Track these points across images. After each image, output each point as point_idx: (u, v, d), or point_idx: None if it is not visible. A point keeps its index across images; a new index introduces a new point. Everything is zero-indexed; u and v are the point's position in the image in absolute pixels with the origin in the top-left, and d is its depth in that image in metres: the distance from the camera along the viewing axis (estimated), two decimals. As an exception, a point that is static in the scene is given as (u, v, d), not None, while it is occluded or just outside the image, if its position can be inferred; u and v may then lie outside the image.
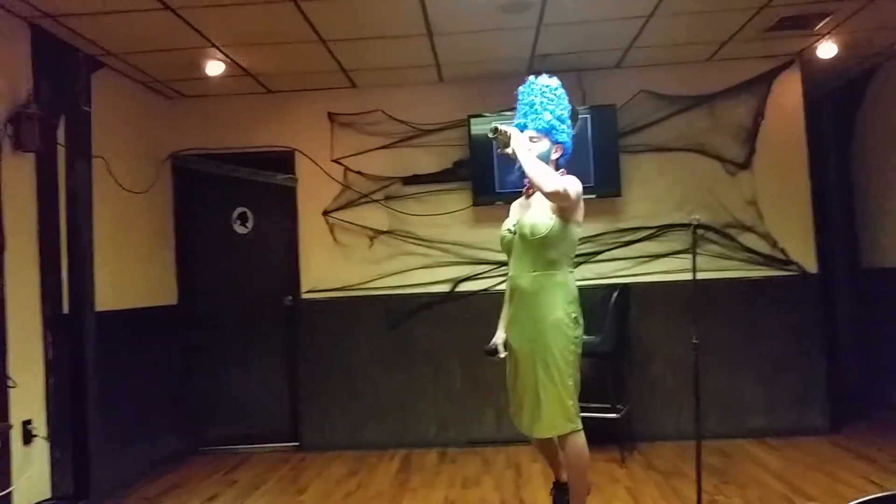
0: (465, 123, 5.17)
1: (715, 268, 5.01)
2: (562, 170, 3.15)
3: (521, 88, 3.21)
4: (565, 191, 2.89)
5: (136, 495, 4.34)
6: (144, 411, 4.85)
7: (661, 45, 4.80)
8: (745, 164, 5.13)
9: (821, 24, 4.48)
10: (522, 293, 3.07)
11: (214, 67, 4.70)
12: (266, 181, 5.38)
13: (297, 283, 5.34)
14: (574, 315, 3.06)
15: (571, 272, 3.14)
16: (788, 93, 5.14)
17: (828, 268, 5.67)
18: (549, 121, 3.07)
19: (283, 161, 5.39)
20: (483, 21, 4.22)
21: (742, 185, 5.12)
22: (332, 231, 5.33)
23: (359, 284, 5.30)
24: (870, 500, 0.95)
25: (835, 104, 6.07)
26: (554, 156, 3.12)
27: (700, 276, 4.95)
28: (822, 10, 4.27)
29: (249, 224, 5.51)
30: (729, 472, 4.21)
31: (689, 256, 4.91)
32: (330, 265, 5.32)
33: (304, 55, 4.64)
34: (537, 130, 3.08)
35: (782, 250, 5.07)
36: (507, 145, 2.99)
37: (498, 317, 3.32)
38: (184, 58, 4.58)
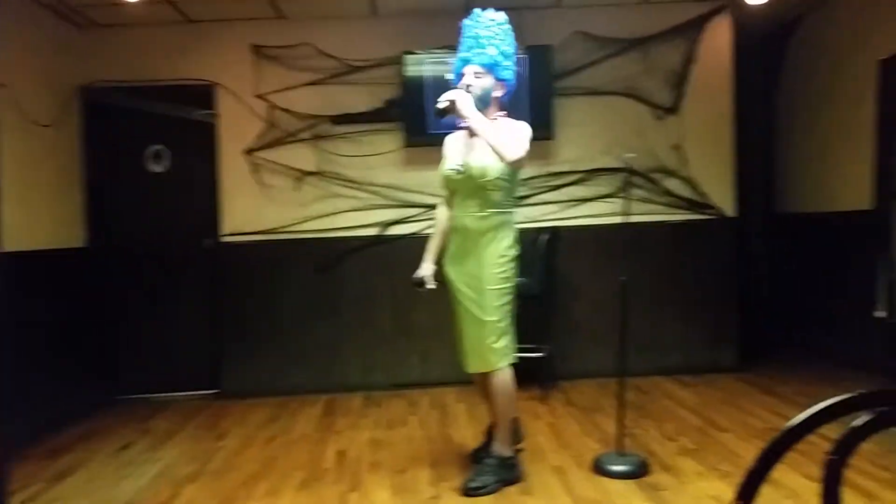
0: (399, 61, 5.01)
1: (639, 211, 5.06)
2: (503, 112, 3.15)
3: (465, 21, 3.15)
4: (524, 155, 2.96)
5: (45, 446, 4.13)
6: (56, 359, 4.59)
7: (596, -14, 4.74)
8: (674, 109, 5.18)
9: (752, -30, 4.51)
10: (467, 232, 3.11)
11: (131, -10, 4.36)
12: (184, 116, 5.09)
13: (217, 226, 5.13)
14: (514, 255, 3.13)
15: (514, 212, 3.19)
16: (719, 38, 5.19)
17: (747, 212, 5.87)
18: (494, 56, 3.04)
19: (203, 95, 5.10)
20: (417, -49, 4.04)
21: (669, 129, 5.19)
22: (255, 171, 5.12)
23: (284, 227, 5.13)
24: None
25: (763, 51, 6.17)
26: (497, 93, 3.10)
27: (625, 218, 5.10)
28: (754, -46, 4.29)
29: (165, 162, 5.22)
30: (646, 407, 4.36)
31: (617, 200, 5.07)
32: (253, 207, 5.12)
33: (226, -20, 4.36)
34: (481, 65, 3.04)
35: (703, 194, 5.19)
36: (457, 114, 2.97)
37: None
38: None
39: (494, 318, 3.07)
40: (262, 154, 5.12)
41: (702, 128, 5.19)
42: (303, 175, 5.13)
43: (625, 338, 3.40)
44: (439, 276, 3.32)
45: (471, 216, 3.10)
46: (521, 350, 4.33)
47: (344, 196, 5.16)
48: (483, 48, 3.05)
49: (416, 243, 5.08)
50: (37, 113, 4.51)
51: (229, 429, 4.38)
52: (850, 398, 1.03)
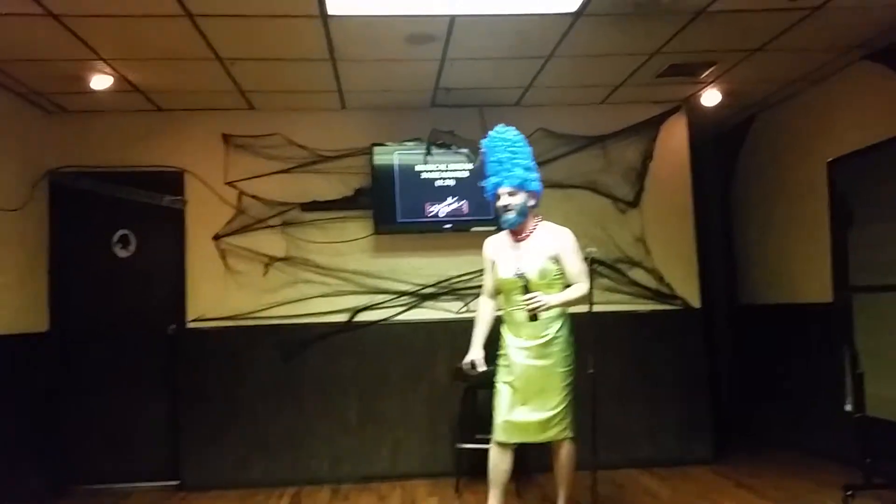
0: (368, 151, 5.13)
1: (605, 301, 5.13)
2: (538, 217, 3.63)
3: (486, 143, 3.63)
4: (588, 287, 3.50)
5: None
6: (8, 446, 4.38)
7: (558, 86, 4.96)
8: (635, 203, 5.35)
9: (706, 73, 4.78)
10: (534, 324, 3.46)
11: (101, 81, 4.43)
12: (152, 202, 5.09)
13: (182, 311, 5.05)
14: (572, 339, 3.57)
15: None
16: (675, 136, 5.43)
17: (709, 303, 5.99)
18: (522, 175, 3.50)
19: (172, 182, 5.13)
20: (388, 50, 4.21)
21: (631, 222, 5.34)
22: (223, 257, 5.10)
23: (250, 313, 5.07)
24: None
25: (718, 149, 6.47)
26: (531, 203, 3.56)
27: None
28: (708, 60, 4.56)
29: (132, 247, 5.18)
30: (621, 501, 4.29)
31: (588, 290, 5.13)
32: (220, 292, 5.08)
33: (200, 73, 4.46)
34: (512, 186, 3.49)
35: (668, 285, 5.30)
36: (546, 308, 3.41)
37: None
38: (68, 70, 4.29)
39: (561, 397, 3.49)
40: (231, 240, 5.11)
41: (663, 221, 5.35)
42: (271, 261, 5.12)
43: (595, 433, 3.39)
44: (486, 360, 3.66)
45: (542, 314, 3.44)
46: (488, 442, 4.30)
47: (312, 282, 5.15)
48: (510, 171, 3.50)
49: (385, 330, 5.13)
50: (4, 197, 4.48)
51: (187, 524, 4.19)
52: None
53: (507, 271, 3.54)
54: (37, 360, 4.81)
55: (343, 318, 5.13)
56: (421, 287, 5.18)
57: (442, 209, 5.11)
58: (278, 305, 5.10)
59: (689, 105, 5.40)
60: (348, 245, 5.18)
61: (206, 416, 5.00)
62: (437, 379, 4.94)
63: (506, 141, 3.57)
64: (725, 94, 5.16)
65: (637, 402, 5.20)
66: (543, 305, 3.38)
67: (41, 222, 4.99)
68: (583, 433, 3.54)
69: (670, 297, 5.30)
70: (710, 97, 5.16)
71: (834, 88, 4.90)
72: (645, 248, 5.31)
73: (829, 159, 4.32)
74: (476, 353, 3.67)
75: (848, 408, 4.06)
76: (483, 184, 3.67)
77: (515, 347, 3.56)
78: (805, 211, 5.02)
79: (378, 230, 5.13)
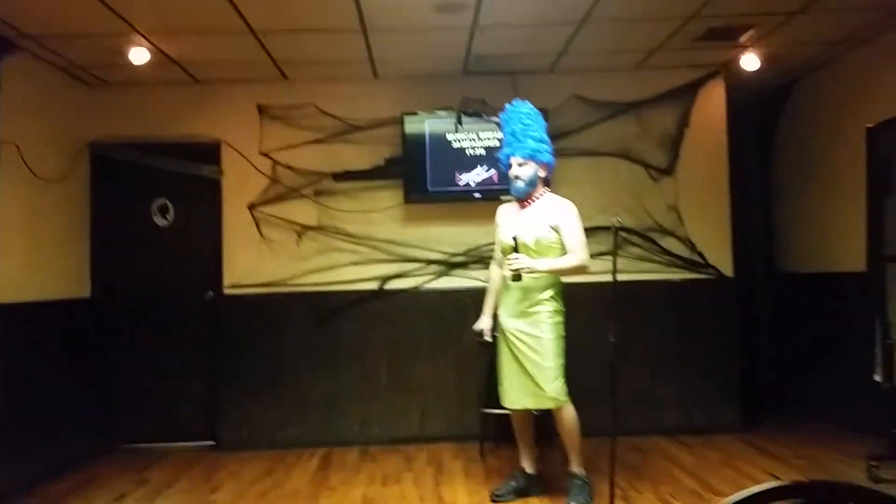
0: (400, 121, 5.15)
1: (636, 269, 5.15)
2: (546, 188, 3.79)
3: (502, 116, 3.81)
4: (587, 259, 3.63)
5: (40, 494, 4.14)
6: (56, 408, 4.63)
7: (592, 52, 4.89)
8: (669, 171, 5.28)
9: (745, 36, 4.65)
10: (526, 291, 3.63)
11: (139, 55, 4.51)
12: (190, 172, 5.22)
13: (219, 278, 5.20)
14: (564, 309, 3.72)
15: None
16: (712, 102, 5.31)
17: (747, 272, 5.91)
18: (533, 146, 3.66)
19: (209, 153, 5.25)
20: (418, 19, 4.20)
21: (665, 190, 5.27)
22: (258, 225, 5.22)
23: (284, 280, 5.20)
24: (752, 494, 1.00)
25: (757, 115, 6.30)
26: (542, 174, 3.74)
27: (622, 277, 5.09)
28: (747, 23, 4.43)
29: (170, 216, 5.34)
30: (643, 468, 4.34)
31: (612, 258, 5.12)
32: (255, 260, 5.21)
33: (234, 46, 4.52)
34: (523, 157, 3.66)
35: (700, 254, 5.24)
36: (529, 270, 3.52)
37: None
38: (106, 44, 4.39)
39: (553, 364, 3.59)
40: (265, 209, 5.22)
41: (698, 189, 5.27)
42: (304, 229, 5.22)
43: (616, 399, 3.42)
44: (494, 328, 3.84)
45: (529, 277, 3.56)
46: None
47: (344, 250, 5.24)
48: (522, 142, 3.66)
49: (415, 298, 5.21)
50: (47, 168, 4.65)
51: (223, 482, 4.38)
52: (774, 488, 1.06)
53: (506, 237, 3.71)
54: (80, 326, 5.02)
55: (374, 285, 5.22)
56: (450, 255, 5.23)
57: (472, 178, 5.12)
58: (311, 273, 5.21)
59: (728, 70, 5.26)
60: (379, 214, 5.24)
61: (241, 380, 5.17)
62: (465, 345, 5.00)
63: (520, 114, 3.72)
64: (765, 58, 5.00)
65: (667, 371, 5.20)
66: (526, 267, 3.49)
67: (83, 193, 5.16)
68: (604, 400, 3.57)
69: (703, 265, 5.24)
70: (750, 61, 5.00)
71: (879, 51, 4.72)
72: (678, 217, 5.25)
73: (869, 125, 4.18)
74: (485, 322, 3.89)
75: (877, 378, 4.00)
76: (498, 154, 3.88)
77: (505, 316, 3.73)
78: (844, 178, 4.89)
79: (409, 199, 5.18)
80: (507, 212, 3.88)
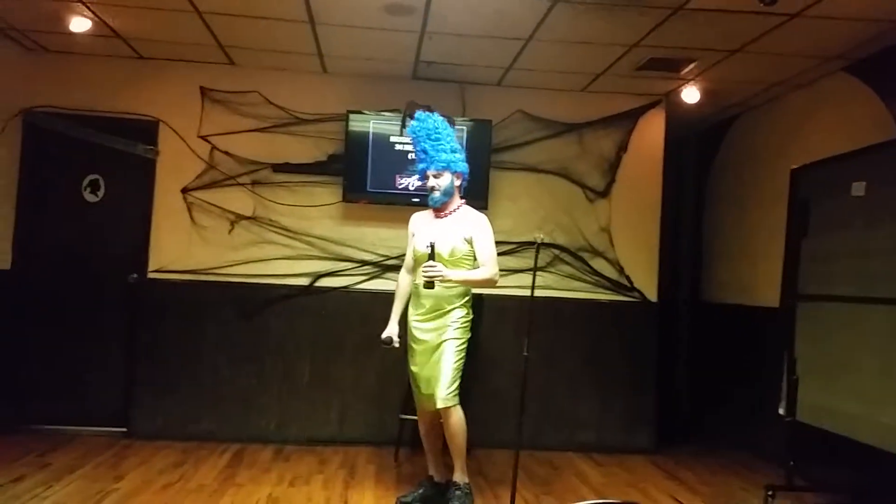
0: (345, 118, 5.12)
1: (566, 287, 5.24)
2: (462, 200, 3.85)
3: (410, 132, 3.87)
4: (496, 273, 3.72)
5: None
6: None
7: (539, 70, 4.95)
8: (605, 193, 5.38)
9: (687, 69, 4.78)
10: (436, 298, 3.70)
11: (80, 24, 4.39)
12: (124, 150, 5.09)
13: (145, 261, 5.08)
14: (471, 317, 3.80)
15: None
16: (652, 131, 5.44)
17: (671, 298, 6.06)
18: (446, 158, 3.72)
19: (146, 131, 5.13)
20: (367, 18, 4.19)
21: (599, 212, 5.37)
22: (190, 210, 5.11)
23: (213, 269, 5.10)
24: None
25: (697, 147, 6.48)
26: (457, 182, 3.80)
27: (551, 293, 5.24)
28: (689, 56, 4.56)
29: (101, 193, 5.19)
30: (552, 483, 4.39)
31: (543, 274, 5.21)
32: (184, 246, 5.10)
33: (179, 24, 4.42)
34: (438, 169, 3.73)
35: (628, 277, 5.35)
36: (443, 279, 3.59)
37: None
38: (47, 8, 4.24)
39: (451, 368, 3.65)
40: (199, 194, 5.12)
41: (631, 213, 5.39)
42: (238, 218, 5.14)
43: (523, 412, 3.48)
44: (402, 334, 3.89)
45: (440, 286, 3.65)
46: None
47: (277, 244, 5.18)
48: (434, 156, 3.73)
49: (345, 297, 5.17)
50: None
51: (130, 470, 4.26)
52: None
53: (420, 245, 3.76)
54: (-2, 296, 4.83)
55: (305, 281, 5.17)
56: (384, 258, 5.21)
57: (412, 182, 5.13)
58: (241, 264, 5.13)
59: (670, 101, 5.40)
60: (316, 210, 5.20)
61: (159, 367, 5.05)
62: (391, 350, 4.99)
63: (428, 130, 3.76)
64: (706, 93, 5.16)
65: (587, 389, 5.29)
66: (441, 275, 3.55)
67: (12, 160, 4.99)
68: (512, 413, 3.63)
69: (629, 289, 5.35)
70: (690, 94, 5.15)
71: (811, 97, 4.92)
72: (609, 239, 5.36)
73: (794, 167, 4.35)
74: (392, 328, 3.92)
75: (781, 411, 4.14)
76: (415, 168, 3.96)
77: (415, 321, 3.80)
78: (770, 217, 5.05)
79: (347, 198, 5.15)
80: (421, 220, 3.93)
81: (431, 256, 3.59)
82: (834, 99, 4.67)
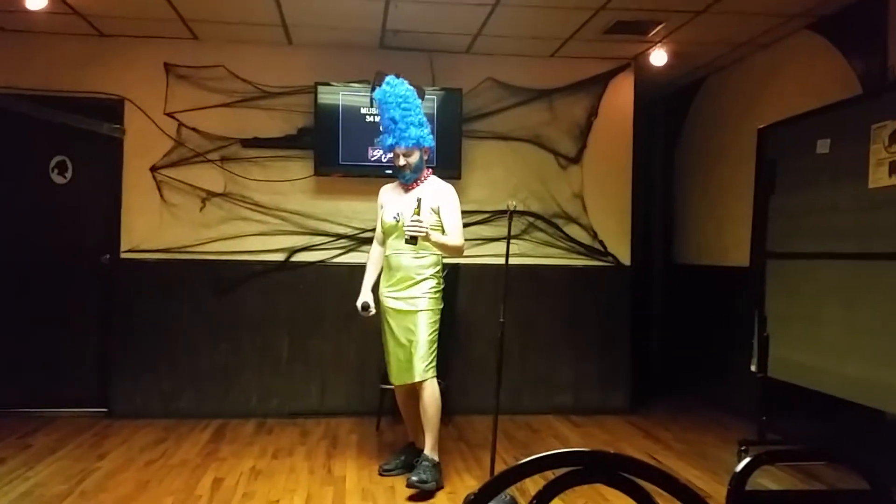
0: (313, 90, 5.07)
1: (541, 254, 5.28)
2: (429, 169, 3.85)
3: (377, 98, 3.75)
4: (463, 242, 3.77)
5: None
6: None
7: (508, 36, 4.93)
8: (576, 159, 5.40)
9: (654, 32, 4.78)
10: (406, 269, 3.72)
11: (35, 1, 4.27)
12: (90, 129, 5.00)
13: (117, 241, 5.03)
14: (442, 287, 3.80)
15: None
16: (621, 95, 5.45)
17: (644, 261, 6.13)
18: (416, 134, 3.67)
19: (112, 110, 5.04)
20: (329, -15, 4.13)
21: (572, 178, 5.40)
22: (159, 189, 5.06)
23: (186, 247, 5.08)
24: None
25: (666, 110, 6.52)
26: (425, 156, 3.79)
27: (526, 261, 5.28)
28: (655, 18, 4.56)
29: (68, 174, 5.11)
30: (531, 445, 4.48)
31: (519, 242, 5.24)
32: (155, 225, 5.06)
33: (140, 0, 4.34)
34: (408, 147, 3.67)
35: (601, 242, 5.41)
36: (425, 237, 3.52)
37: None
38: (-3, -16, 4.15)
39: (425, 339, 3.66)
40: (168, 172, 5.07)
41: (602, 179, 5.42)
42: (209, 195, 5.11)
43: (500, 376, 3.53)
44: (375, 303, 3.88)
45: (408, 256, 3.69)
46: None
47: (250, 220, 5.15)
48: (404, 130, 3.65)
49: (321, 271, 5.18)
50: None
51: (112, 449, 4.28)
52: (554, 454, 1.14)
53: (389, 216, 3.78)
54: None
55: (280, 257, 5.16)
56: (359, 231, 5.21)
57: (384, 155, 5.10)
58: (215, 241, 5.11)
59: (639, 64, 5.40)
60: (288, 185, 5.17)
61: (137, 346, 5.04)
62: (369, 320, 5.02)
63: (398, 97, 3.67)
64: (674, 55, 5.17)
65: (563, 353, 5.37)
66: (425, 233, 3.49)
67: (-27, 143, 4.90)
68: (506, 377, 3.69)
69: (603, 253, 5.41)
70: (659, 57, 5.16)
71: (777, 56, 4.95)
72: (582, 205, 5.39)
73: (760, 126, 4.39)
74: (366, 295, 3.90)
75: (753, 368, 4.24)
76: (378, 141, 3.89)
77: (387, 293, 3.80)
78: (739, 176, 5.11)
79: (319, 171, 5.12)
80: (389, 191, 3.92)
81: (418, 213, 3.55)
82: (799, 57, 4.71)
